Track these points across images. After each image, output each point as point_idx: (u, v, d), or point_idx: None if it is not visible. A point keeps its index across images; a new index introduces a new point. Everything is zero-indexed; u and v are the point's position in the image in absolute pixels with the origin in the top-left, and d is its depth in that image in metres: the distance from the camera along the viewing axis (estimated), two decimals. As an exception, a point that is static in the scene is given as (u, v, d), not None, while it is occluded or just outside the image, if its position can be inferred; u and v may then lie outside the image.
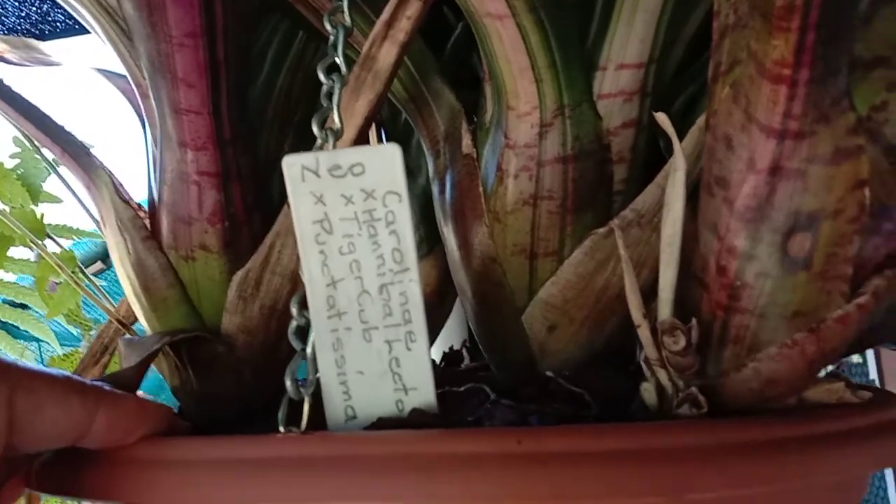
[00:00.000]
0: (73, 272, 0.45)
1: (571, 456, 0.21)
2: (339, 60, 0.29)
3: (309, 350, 0.25)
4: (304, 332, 0.25)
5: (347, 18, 0.30)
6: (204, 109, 0.30)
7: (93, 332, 0.58)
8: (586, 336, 0.32)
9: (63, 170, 0.46)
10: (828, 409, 0.25)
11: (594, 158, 0.30)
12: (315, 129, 0.29)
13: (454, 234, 0.34)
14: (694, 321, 0.24)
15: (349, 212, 0.24)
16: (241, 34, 0.28)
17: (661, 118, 0.26)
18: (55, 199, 0.51)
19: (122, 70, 0.38)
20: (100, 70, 0.41)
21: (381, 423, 0.24)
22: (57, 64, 0.43)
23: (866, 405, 0.26)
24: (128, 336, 0.36)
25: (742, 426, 0.22)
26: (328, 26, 0.30)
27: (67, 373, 0.24)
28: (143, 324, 0.36)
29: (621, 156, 0.30)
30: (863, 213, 0.21)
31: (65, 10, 0.32)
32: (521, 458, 0.21)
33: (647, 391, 0.26)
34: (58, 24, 0.68)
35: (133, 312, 0.42)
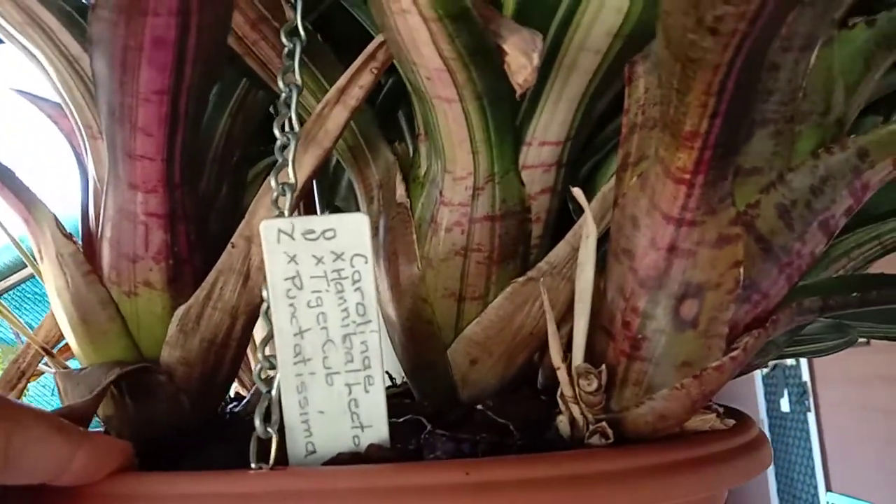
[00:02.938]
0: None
1: (513, 483, 0.25)
2: (293, 118, 0.32)
3: (274, 393, 0.28)
4: (268, 377, 0.28)
5: (299, 79, 0.33)
6: (158, 156, 0.32)
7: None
8: (502, 368, 0.37)
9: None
10: (704, 434, 0.31)
11: (517, 218, 0.34)
12: (272, 182, 0.31)
13: (386, 273, 0.37)
14: (604, 367, 0.29)
15: (319, 270, 0.27)
16: (203, 88, 0.30)
17: (577, 193, 0.31)
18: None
19: (47, 93, 0.39)
20: (23, 93, 0.41)
21: (340, 458, 0.28)
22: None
23: (732, 430, 0.32)
24: (64, 370, 0.36)
25: (647, 452, 0.28)
26: (281, 84, 0.33)
27: (47, 410, 0.25)
28: (76, 352, 0.37)
29: (538, 216, 0.35)
30: (738, 286, 0.27)
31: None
32: (469, 487, 0.25)
33: (562, 422, 0.31)
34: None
35: (51, 338, 0.42)
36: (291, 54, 0.33)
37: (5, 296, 0.74)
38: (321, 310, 0.27)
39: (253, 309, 0.36)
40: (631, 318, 0.29)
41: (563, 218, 0.37)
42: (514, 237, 0.35)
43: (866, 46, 0.27)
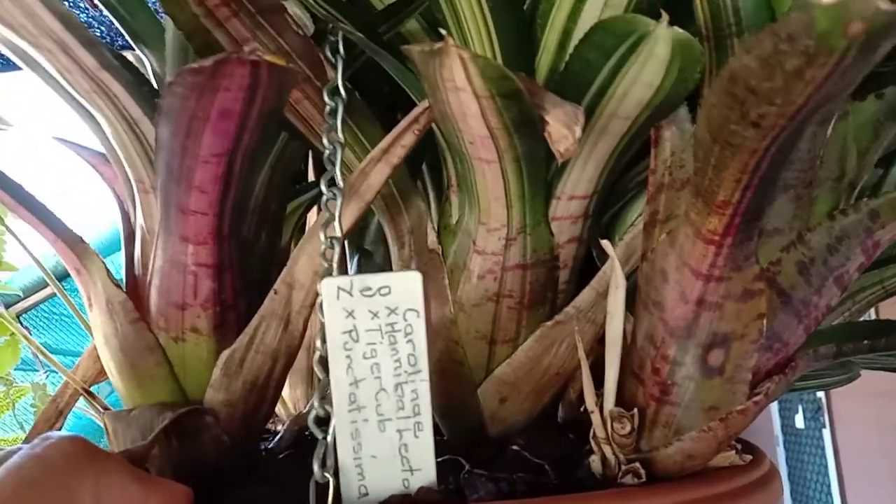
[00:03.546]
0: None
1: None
2: (338, 175, 0.34)
3: (330, 438, 0.29)
4: (323, 422, 0.30)
5: (342, 136, 0.35)
6: (211, 211, 0.34)
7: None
8: (529, 406, 0.39)
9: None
10: (725, 470, 0.33)
11: (546, 266, 0.36)
12: (321, 236, 0.33)
13: (416, 316, 0.39)
14: (636, 410, 0.31)
15: (374, 324, 0.29)
16: (257, 149, 0.32)
17: (607, 245, 0.33)
18: (11, 268, 0.50)
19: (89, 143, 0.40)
20: (65, 141, 0.42)
21: (392, 501, 0.29)
22: (9, 127, 0.44)
23: (748, 465, 0.34)
24: (111, 411, 0.38)
25: (677, 489, 0.30)
26: (325, 142, 0.35)
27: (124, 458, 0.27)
28: (121, 393, 0.38)
29: (566, 263, 0.37)
30: (761, 336, 0.29)
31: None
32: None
33: (595, 462, 0.33)
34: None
35: (88, 377, 0.43)
36: (334, 113, 0.35)
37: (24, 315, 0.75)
38: (375, 360, 0.29)
39: (292, 352, 0.38)
40: (661, 365, 0.31)
41: (588, 263, 0.39)
42: (544, 284, 0.37)
43: (876, 117, 0.29)
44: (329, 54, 0.37)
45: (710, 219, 0.27)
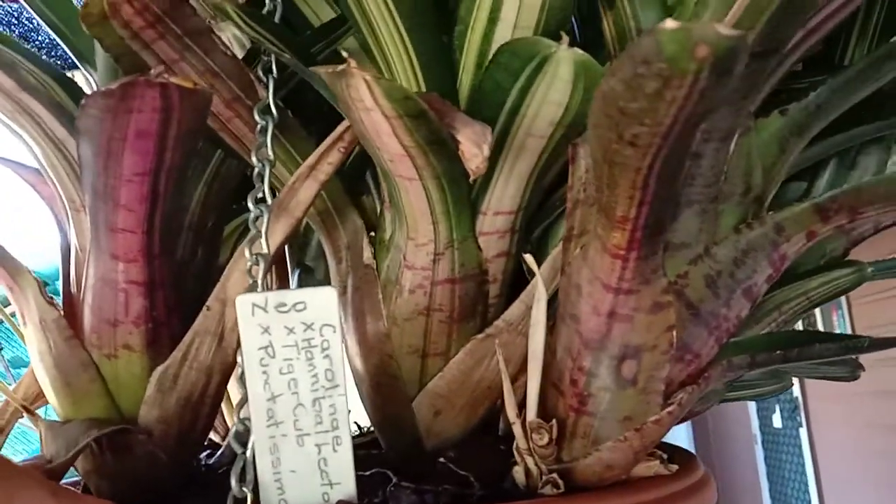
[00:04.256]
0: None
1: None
2: (266, 192, 0.35)
3: (249, 454, 0.30)
4: (243, 437, 0.30)
5: (271, 154, 0.36)
6: (139, 229, 0.34)
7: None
8: (464, 419, 0.39)
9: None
10: (649, 480, 0.34)
11: (475, 280, 0.37)
12: (246, 253, 0.34)
13: (354, 330, 0.40)
14: (554, 422, 0.32)
15: (290, 340, 0.29)
16: (182, 167, 0.33)
17: (529, 259, 0.34)
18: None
19: (28, 161, 0.41)
20: (4, 160, 0.43)
21: (311, 513, 0.30)
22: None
23: (676, 474, 0.35)
24: (48, 420, 0.38)
25: (595, 499, 0.30)
26: (255, 160, 0.35)
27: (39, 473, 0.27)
28: (57, 410, 0.38)
29: (495, 277, 0.38)
30: (671, 347, 0.30)
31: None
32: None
33: (518, 473, 0.33)
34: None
35: (30, 395, 0.43)
36: (264, 131, 0.36)
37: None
38: (292, 376, 0.29)
39: (227, 367, 0.38)
40: (578, 377, 0.32)
41: (519, 277, 0.39)
42: (473, 298, 0.37)
43: (780, 133, 0.30)
44: (261, 74, 0.37)
45: (614, 234, 0.28)
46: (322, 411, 0.30)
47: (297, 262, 0.49)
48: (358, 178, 0.44)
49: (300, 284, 0.48)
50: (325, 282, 0.44)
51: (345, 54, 0.27)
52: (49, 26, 0.42)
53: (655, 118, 0.20)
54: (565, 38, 0.27)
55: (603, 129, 0.22)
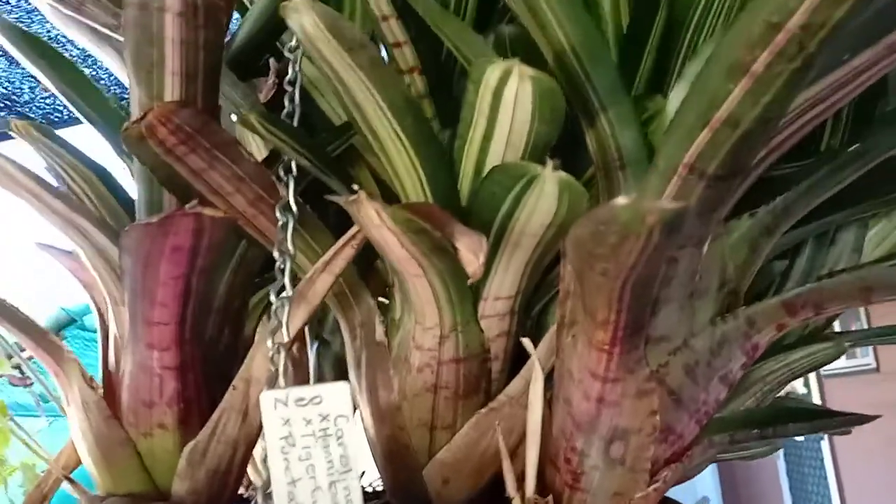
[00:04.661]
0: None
1: None
2: (287, 284, 0.38)
3: (273, 531, 0.33)
4: (268, 516, 0.33)
5: (291, 247, 0.39)
6: (173, 321, 0.38)
7: None
8: (471, 485, 0.42)
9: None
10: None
11: (478, 359, 0.40)
12: (269, 343, 0.37)
13: (367, 402, 0.43)
14: (551, 497, 0.35)
15: (308, 430, 0.32)
16: (213, 268, 0.36)
17: (527, 343, 0.37)
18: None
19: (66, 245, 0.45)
20: (45, 246, 0.47)
21: (330, 585, 0.33)
22: None
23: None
24: (90, 494, 0.41)
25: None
26: (276, 254, 0.39)
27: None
28: (95, 481, 0.42)
29: (497, 355, 0.41)
30: (655, 430, 0.33)
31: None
32: None
33: (519, 542, 0.36)
34: None
35: (70, 463, 0.47)
36: (285, 227, 0.39)
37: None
38: (310, 462, 0.33)
39: (251, 440, 0.42)
40: (571, 456, 0.35)
41: (521, 352, 0.42)
42: (477, 375, 0.40)
43: (750, 234, 0.33)
44: (282, 174, 0.41)
45: (598, 332, 0.31)
46: (337, 494, 0.33)
47: (315, 336, 0.52)
48: (371, 262, 0.47)
49: (318, 357, 0.51)
50: (341, 354, 0.48)
51: (355, 186, 0.30)
52: (91, 122, 0.46)
53: (618, 261, 0.23)
54: (549, 162, 0.30)
55: (577, 259, 0.25)
